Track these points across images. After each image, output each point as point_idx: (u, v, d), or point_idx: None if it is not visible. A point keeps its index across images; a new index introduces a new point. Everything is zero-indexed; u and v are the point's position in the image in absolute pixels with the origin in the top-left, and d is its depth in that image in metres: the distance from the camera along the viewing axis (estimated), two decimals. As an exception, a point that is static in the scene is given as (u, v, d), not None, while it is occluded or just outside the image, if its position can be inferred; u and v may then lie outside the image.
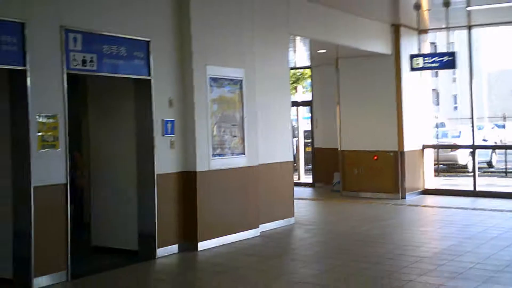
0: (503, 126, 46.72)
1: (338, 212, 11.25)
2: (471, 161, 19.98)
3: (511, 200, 11.93)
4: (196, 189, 7.37)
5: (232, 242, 7.85)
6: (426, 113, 13.36)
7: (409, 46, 12.50)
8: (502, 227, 9.02)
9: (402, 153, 12.40)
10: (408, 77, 12.60)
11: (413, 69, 11.39)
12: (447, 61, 11.11)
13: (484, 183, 16.43)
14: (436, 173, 19.27)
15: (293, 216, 9.41)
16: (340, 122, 13.11)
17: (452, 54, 11.13)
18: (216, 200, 7.70)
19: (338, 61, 13.17)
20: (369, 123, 12.71)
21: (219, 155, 7.83)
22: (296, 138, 16.47)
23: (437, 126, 20.41)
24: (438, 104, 72.87)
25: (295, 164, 19.89)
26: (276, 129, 9.29)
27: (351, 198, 12.54)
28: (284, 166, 9.29)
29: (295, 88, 19.67)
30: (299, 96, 19.31)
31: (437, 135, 20.46)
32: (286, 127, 9.62)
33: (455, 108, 71.72)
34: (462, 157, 19.79)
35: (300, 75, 20.21)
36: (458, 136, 20.76)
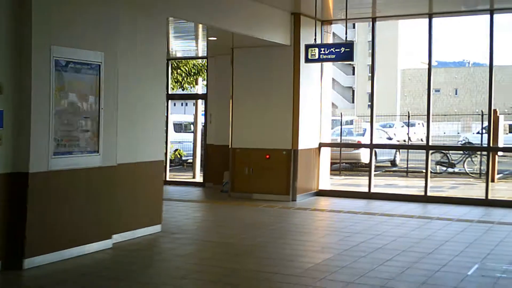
0: (413, 125, 47.70)
1: (218, 216, 10.30)
2: (374, 160, 19.83)
3: (404, 203, 11.38)
4: (26, 194, 6.12)
5: (73, 257, 6.62)
6: (325, 109, 12.60)
7: (311, 37, 11.68)
8: (390, 235, 8.32)
9: (295, 151, 11.59)
10: (307, 70, 11.83)
11: (308, 60, 10.58)
12: (345, 52, 10.34)
13: (384, 184, 16.09)
14: (339, 172, 18.88)
15: (160, 223, 8.31)
16: (232, 117, 12.16)
17: (349, 46, 10.38)
18: (56, 207, 6.45)
19: (233, 51, 12.21)
20: (263, 119, 11.84)
21: (64, 153, 6.62)
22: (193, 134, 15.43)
23: (342, 123, 19.93)
24: (353, 102, 74.20)
25: (189, 162, 18.97)
26: (147, 123, 8.16)
27: (239, 200, 11.62)
28: (153, 166, 8.17)
29: (196, 80, 18.64)
30: (200, 89, 18.27)
31: (342, 132, 20.00)
32: (159, 122, 8.50)
33: (369, 106, 73.23)
34: (365, 155, 19.36)
35: (202, 66, 19.20)
36: (363, 134, 20.37)
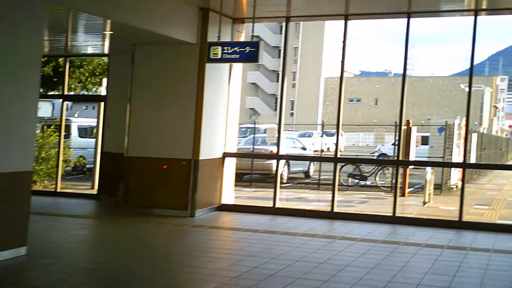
0: (332, 134, 47.88)
1: (100, 236, 9.31)
2: (287, 171, 19.25)
3: (310, 220, 10.73)
4: None
5: None
6: (232, 116, 11.79)
7: (221, 36, 10.87)
8: (287, 259, 7.58)
9: (196, 162, 10.72)
10: (214, 72, 11.01)
11: (210, 60, 9.79)
12: (250, 52, 9.59)
13: (294, 197, 15.49)
14: (249, 184, 18.15)
15: (25, 245, 7.21)
16: (130, 122, 11.17)
17: (255, 45, 9.64)
18: None
19: (134, 48, 11.23)
20: (163, 125, 10.93)
21: None
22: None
23: (254, 132, 19.23)
24: (276, 109, 74.10)
25: (88, 171, 17.71)
26: (12, 127, 7.05)
27: (133, 215, 10.63)
28: (14, 178, 7.06)
29: (101, 80, 17.44)
30: (104, 90, 17.08)
31: (256, 141, 19.31)
32: (28, 126, 7.39)
33: (291, 114, 73.35)
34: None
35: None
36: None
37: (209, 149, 11.06)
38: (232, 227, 10.02)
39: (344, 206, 13.46)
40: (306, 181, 19.90)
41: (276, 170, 11.61)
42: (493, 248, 8.63)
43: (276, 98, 74.38)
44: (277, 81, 73.69)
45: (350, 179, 18.34)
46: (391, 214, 10.78)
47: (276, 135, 12.00)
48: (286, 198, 15.50)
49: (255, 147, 18.75)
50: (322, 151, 21.94)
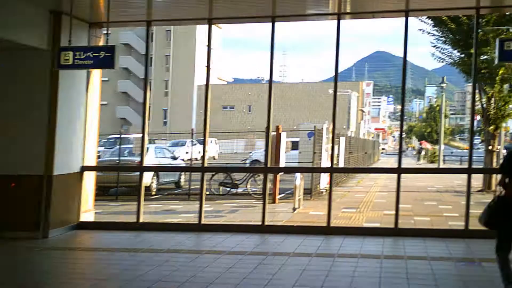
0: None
1: None
2: (156, 182, 18.52)
3: (177, 234, 10.13)
4: None
5: None
6: (90, 126, 10.91)
7: (77, 41, 9.99)
8: (146, 280, 6.95)
9: (49, 177, 9.77)
10: (70, 79, 10.15)
11: (60, 66, 8.99)
12: (105, 58, 8.87)
13: (162, 210, 14.86)
14: (115, 198, 17.22)
15: None
16: None
17: (111, 50, 8.92)
18: None
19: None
20: (10, 137, 9.87)
21: None
22: None
23: (120, 143, 18.31)
24: (149, 118, 72.66)
25: None
26: None
27: (-25, 239, 9.49)
28: None
29: None
30: None
31: (123, 153, 18.40)
32: None
33: (164, 123, 72.27)
34: (145, 177, 17.98)
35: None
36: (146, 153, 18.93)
37: (65, 163, 10.14)
38: (89, 247, 9.22)
39: (213, 216, 13.00)
40: (176, 192, 19.27)
41: (140, 183, 10.88)
42: (360, 253, 8.51)
43: (149, 107, 73.04)
44: (149, 89, 72.40)
45: (221, 188, 17.95)
46: (260, 223, 10.44)
47: (141, 146, 11.21)
48: (154, 211, 14.81)
49: (122, 158, 17.83)
50: (190, 160, 21.39)
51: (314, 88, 71.29)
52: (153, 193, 18.53)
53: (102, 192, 18.35)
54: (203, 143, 10.85)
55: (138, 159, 18.26)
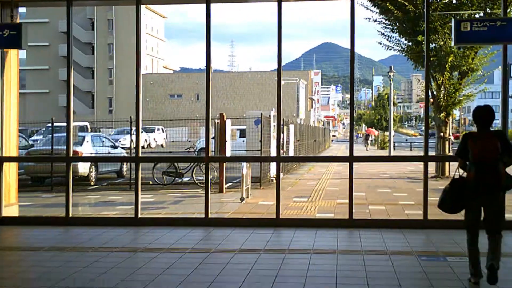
0: (153, 130, 46.20)
1: None
2: (94, 172, 17.34)
3: (111, 229, 9.10)
4: None
5: None
6: (9, 114, 9.72)
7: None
8: (69, 286, 5.93)
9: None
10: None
11: None
12: (10, 36, 7.78)
13: (100, 201, 13.79)
14: (50, 188, 15.97)
15: None
16: None
17: (16, 28, 7.81)
18: None
19: None
20: None
21: None
22: None
23: (52, 131, 16.97)
24: (93, 107, 70.49)
25: None
26: None
27: None
28: None
29: None
30: None
31: (58, 142, 17.09)
32: None
33: (110, 111, 70.17)
34: (83, 167, 16.82)
35: None
36: (81, 144, 17.71)
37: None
38: (7, 246, 8.09)
39: (155, 208, 12.00)
40: (117, 181, 18.12)
41: (67, 174, 9.74)
42: (312, 248, 7.69)
43: (93, 96, 70.75)
44: (92, 78, 70.23)
45: (165, 177, 16.92)
46: (203, 216, 9.51)
47: (66, 134, 10.05)
48: (90, 203, 13.71)
49: (57, 147, 16.53)
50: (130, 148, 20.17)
51: (263, 77, 70.59)
52: (92, 183, 17.35)
53: (38, 183, 17.12)
54: (136, 132, 9.75)
55: (74, 148, 17.25)
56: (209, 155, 9.72)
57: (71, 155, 9.70)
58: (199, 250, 7.65)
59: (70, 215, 9.61)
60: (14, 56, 9.71)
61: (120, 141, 26.63)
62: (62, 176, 16.84)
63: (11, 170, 9.80)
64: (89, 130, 34.07)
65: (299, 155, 23.04)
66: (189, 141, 20.47)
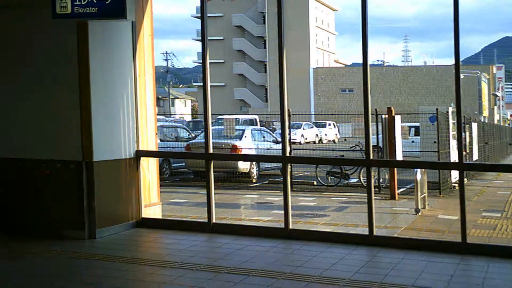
0: (324, 125, 44.74)
1: None
2: (256, 168, 16.13)
3: (259, 242, 7.63)
4: None
5: None
6: (145, 102, 8.65)
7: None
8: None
9: (89, 164, 7.63)
10: (106, 39, 7.91)
11: (56, 15, 6.90)
12: (113, 4, 6.68)
13: (256, 202, 12.52)
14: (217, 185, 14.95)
15: None
16: None
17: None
18: None
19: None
20: (35, 114, 7.96)
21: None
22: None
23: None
24: (267, 100, 70.93)
25: None
26: None
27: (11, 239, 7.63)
28: None
29: None
30: None
31: (212, 135, 16.14)
32: None
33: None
34: (243, 162, 15.66)
35: None
36: (240, 137, 16.60)
37: (109, 147, 7.95)
38: (149, 259, 6.91)
39: (313, 216, 10.37)
40: (279, 179, 16.76)
41: (207, 172, 8.38)
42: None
43: (266, 89, 71.22)
44: (265, 71, 70.69)
45: (329, 177, 15.25)
46: (367, 233, 7.65)
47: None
48: (246, 204, 12.50)
49: (216, 141, 15.57)
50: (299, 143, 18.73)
51: (439, 71, 66.18)
52: (254, 180, 16.18)
53: (199, 178, 16.29)
54: (282, 128, 8.09)
55: (232, 141, 16.20)
56: (374, 157, 7.81)
57: (210, 151, 8.33)
58: (360, 283, 5.86)
59: (214, 220, 8.29)
60: (146, 33, 8.60)
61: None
62: (223, 170, 16.01)
63: (150, 166, 8.73)
64: (258, 124, 33.53)
65: (485, 162, 19.78)
66: (352, 137, 18.47)
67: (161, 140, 17.10)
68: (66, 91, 7.74)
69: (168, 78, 75.67)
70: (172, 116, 56.32)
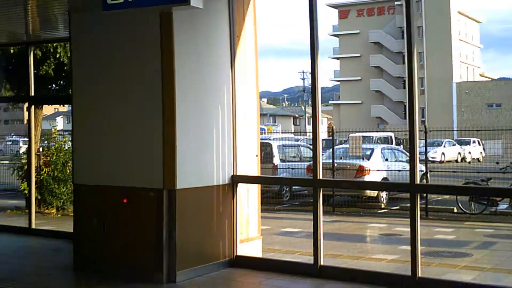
0: (468, 143, 41.27)
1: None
2: (385, 192, 14.29)
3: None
4: None
5: None
6: (244, 118, 7.32)
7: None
8: None
9: (172, 192, 6.38)
10: (200, 42, 6.74)
11: (108, 6, 5.74)
12: None
13: (384, 233, 10.78)
14: (332, 209, 13.37)
15: None
16: (73, 132, 7.16)
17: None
18: None
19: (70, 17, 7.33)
20: (117, 136, 6.83)
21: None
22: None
23: (333, 143, 14.33)
24: (405, 117, 67.66)
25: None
26: None
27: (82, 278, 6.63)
28: None
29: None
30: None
31: (337, 155, 14.57)
32: None
33: (422, 121, 66.52)
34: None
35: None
36: (369, 158, 14.79)
37: (199, 172, 6.69)
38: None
39: (451, 255, 8.43)
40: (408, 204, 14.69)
41: (314, 202, 6.82)
42: None
43: (405, 106, 67.96)
44: (404, 87, 67.59)
45: (472, 204, 13.02)
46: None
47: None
48: (375, 235, 10.80)
49: (338, 161, 13.96)
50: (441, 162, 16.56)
51: None
52: (383, 206, 14.33)
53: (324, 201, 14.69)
54: (411, 149, 6.34)
55: (358, 162, 14.47)
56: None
57: (320, 177, 6.76)
58: None
59: (322, 262, 6.72)
60: (251, 43, 7.29)
61: (429, 154, 22.96)
62: (348, 194, 14.33)
63: (250, 193, 7.37)
64: (394, 142, 31.41)
65: None
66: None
67: (282, 160, 15.78)
68: (145, 99, 6.60)
69: (305, 96, 75.06)
70: (308, 134, 55.15)
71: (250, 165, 7.39)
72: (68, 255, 7.20)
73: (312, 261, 6.72)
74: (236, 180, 7.09)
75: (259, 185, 7.68)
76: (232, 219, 7.07)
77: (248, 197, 7.38)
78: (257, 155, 7.50)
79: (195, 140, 6.62)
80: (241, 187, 7.21)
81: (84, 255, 6.96)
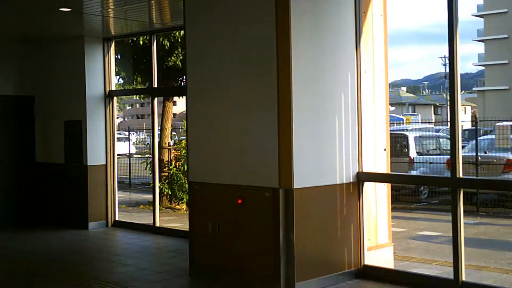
0: None
1: None
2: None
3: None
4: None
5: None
6: (371, 109, 6.50)
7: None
8: None
9: (288, 192, 5.71)
10: (318, 28, 6.01)
11: None
12: None
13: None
14: (475, 209, 12.01)
15: None
16: (187, 130, 6.74)
17: None
18: None
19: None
20: (231, 130, 6.26)
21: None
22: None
23: (477, 134, 12.87)
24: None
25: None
26: None
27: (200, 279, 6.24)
28: None
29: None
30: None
31: (482, 147, 13.13)
32: None
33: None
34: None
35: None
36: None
37: (319, 170, 5.94)
38: None
39: None
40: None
41: (453, 201, 5.81)
42: None
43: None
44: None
45: None
46: None
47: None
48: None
49: (482, 155, 12.52)
50: None
51: None
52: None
53: (466, 201, 13.28)
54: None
55: (506, 155, 12.91)
56: None
57: (460, 175, 5.74)
58: None
59: (462, 278, 5.72)
60: (379, 26, 6.45)
61: None
62: (495, 192, 12.79)
63: (379, 194, 6.55)
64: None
65: None
66: None
67: (419, 153, 14.57)
68: (257, 83, 5.99)
69: (446, 84, 71.47)
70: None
71: (379, 161, 6.55)
72: (185, 258, 6.80)
73: (452, 276, 5.76)
74: (361, 178, 6.29)
75: (388, 184, 6.80)
76: (358, 222, 6.29)
77: (377, 197, 6.56)
78: (385, 149, 6.65)
79: (314, 132, 5.90)
80: (368, 186, 6.40)
81: (199, 261, 6.52)
